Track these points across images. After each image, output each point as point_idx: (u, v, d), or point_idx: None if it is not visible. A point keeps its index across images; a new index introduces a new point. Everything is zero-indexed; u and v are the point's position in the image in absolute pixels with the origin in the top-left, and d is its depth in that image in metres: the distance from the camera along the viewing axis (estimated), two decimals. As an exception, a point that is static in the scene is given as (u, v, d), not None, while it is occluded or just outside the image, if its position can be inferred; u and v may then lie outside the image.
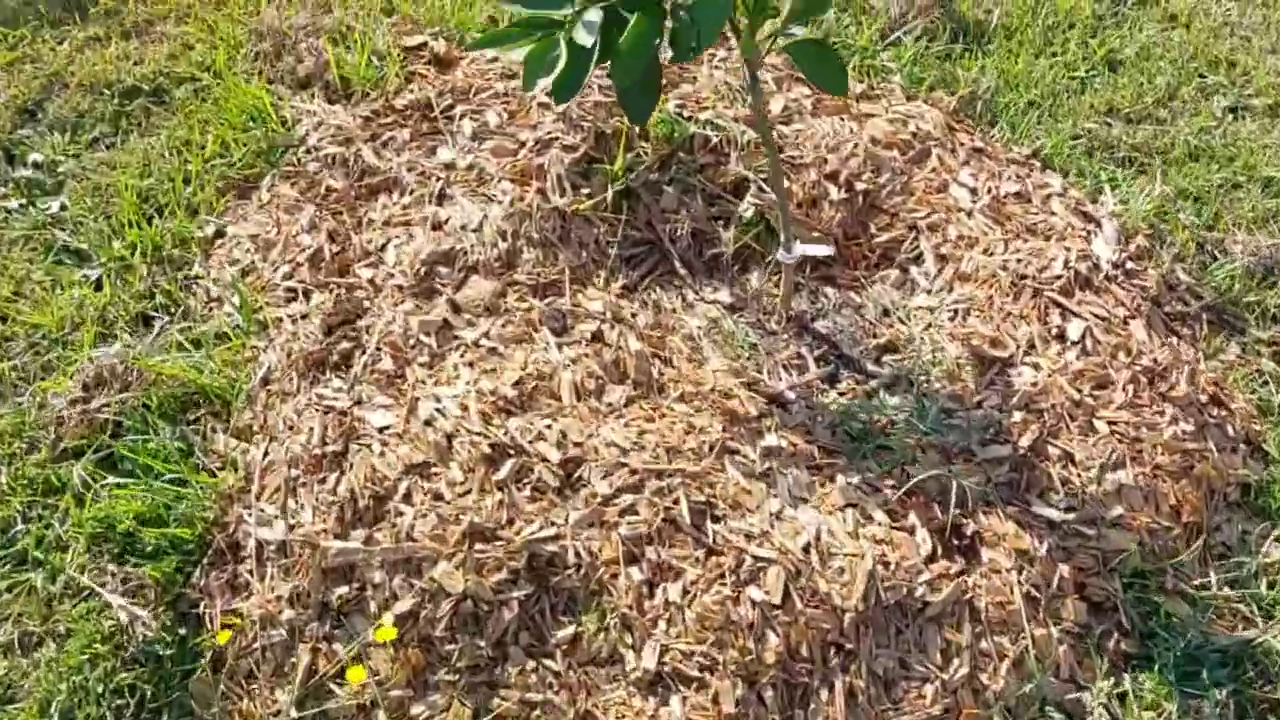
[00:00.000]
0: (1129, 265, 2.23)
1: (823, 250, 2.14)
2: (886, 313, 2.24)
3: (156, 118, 2.51)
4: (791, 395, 2.02)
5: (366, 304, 2.03)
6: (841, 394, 2.07)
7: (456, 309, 2.02)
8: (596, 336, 1.99)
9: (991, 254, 2.23)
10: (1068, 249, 2.22)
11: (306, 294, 2.05)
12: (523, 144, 2.34)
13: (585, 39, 1.73)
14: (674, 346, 2.06)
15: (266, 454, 1.80)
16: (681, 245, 2.32)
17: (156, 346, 1.95)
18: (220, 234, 2.22)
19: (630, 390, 1.91)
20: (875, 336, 2.19)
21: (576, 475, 1.74)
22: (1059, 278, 2.14)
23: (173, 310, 2.06)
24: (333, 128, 2.35)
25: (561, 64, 1.76)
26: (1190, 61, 3.01)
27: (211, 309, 2.06)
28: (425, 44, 2.61)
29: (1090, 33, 3.10)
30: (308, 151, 2.32)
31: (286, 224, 2.18)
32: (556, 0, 1.84)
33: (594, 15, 1.77)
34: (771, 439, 1.87)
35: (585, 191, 2.29)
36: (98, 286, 2.12)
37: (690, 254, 2.32)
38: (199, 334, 1.99)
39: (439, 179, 2.25)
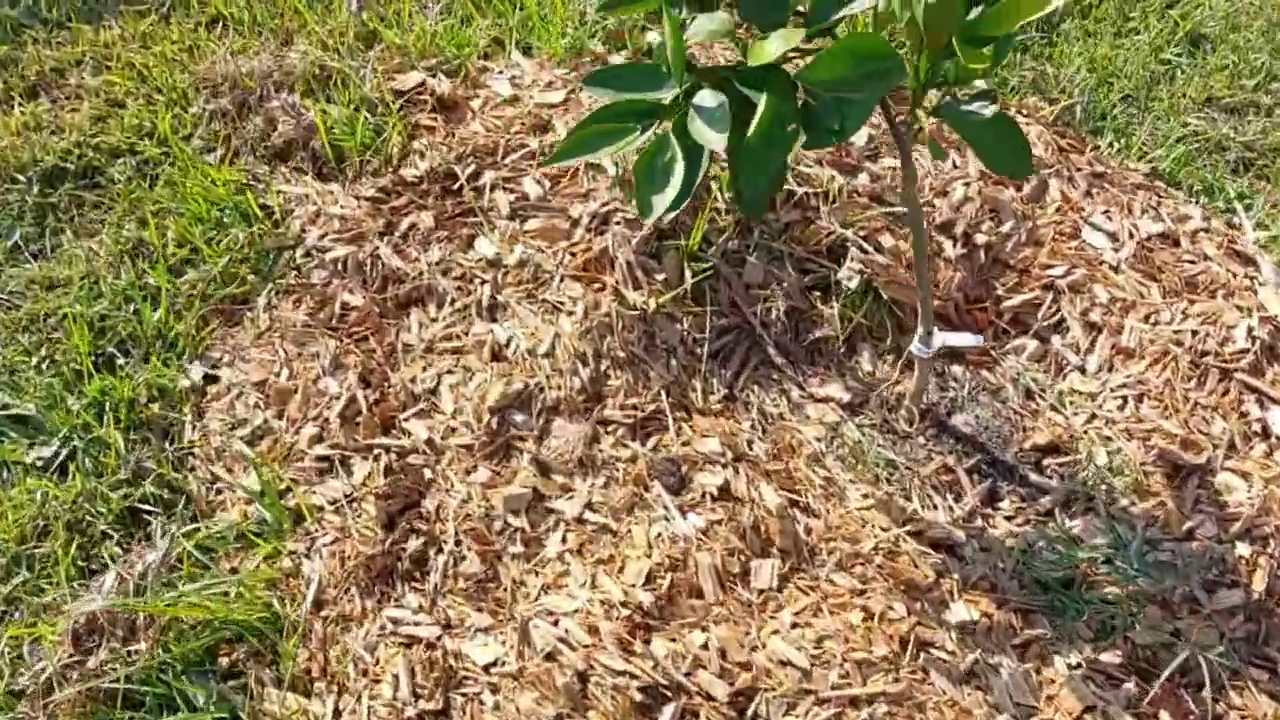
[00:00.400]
0: (1304, 318, 1.91)
1: (970, 340, 1.76)
2: (1030, 395, 1.89)
3: (92, 210, 1.96)
4: (961, 535, 1.66)
5: (427, 472, 1.58)
6: (1009, 518, 1.72)
7: (545, 470, 1.59)
8: (724, 491, 1.59)
9: (1155, 322, 1.88)
10: (1240, 308, 1.88)
11: (345, 463, 1.60)
12: (575, 221, 1.88)
13: (711, 136, 1.31)
14: (803, 478, 1.68)
15: (339, 713, 1.38)
16: (776, 330, 1.91)
17: (161, 568, 1.48)
18: (212, 379, 1.72)
19: (779, 563, 1.53)
20: (1025, 431, 1.84)
21: (752, 714, 1.36)
22: (1244, 352, 1.81)
23: (170, 500, 1.59)
24: (335, 219, 1.85)
25: (679, 173, 1.34)
26: (1282, 31, 2.66)
27: (221, 493, 1.59)
28: (423, 84, 2.10)
29: (1167, 2, 2.73)
30: (308, 255, 1.82)
31: (299, 362, 1.70)
32: (653, 78, 1.40)
33: (710, 99, 1.34)
34: (960, 609, 1.52)
35: (661, 277, 1.85)
36: (61, 472, 1.62)
37: (787, 339, 1.92)
38: (213, 536, 1.53)
39: (484, 281, 1.79)
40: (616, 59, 2.20)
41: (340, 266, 1.79)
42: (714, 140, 1.30)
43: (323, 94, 2.05)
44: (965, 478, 1.77)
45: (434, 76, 2.11)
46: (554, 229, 1.86)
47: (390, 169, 1.94)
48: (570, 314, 1.74)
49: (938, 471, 1.77)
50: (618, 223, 1.89)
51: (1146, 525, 1.66)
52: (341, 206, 1.86)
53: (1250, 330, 1.83)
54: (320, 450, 1.60)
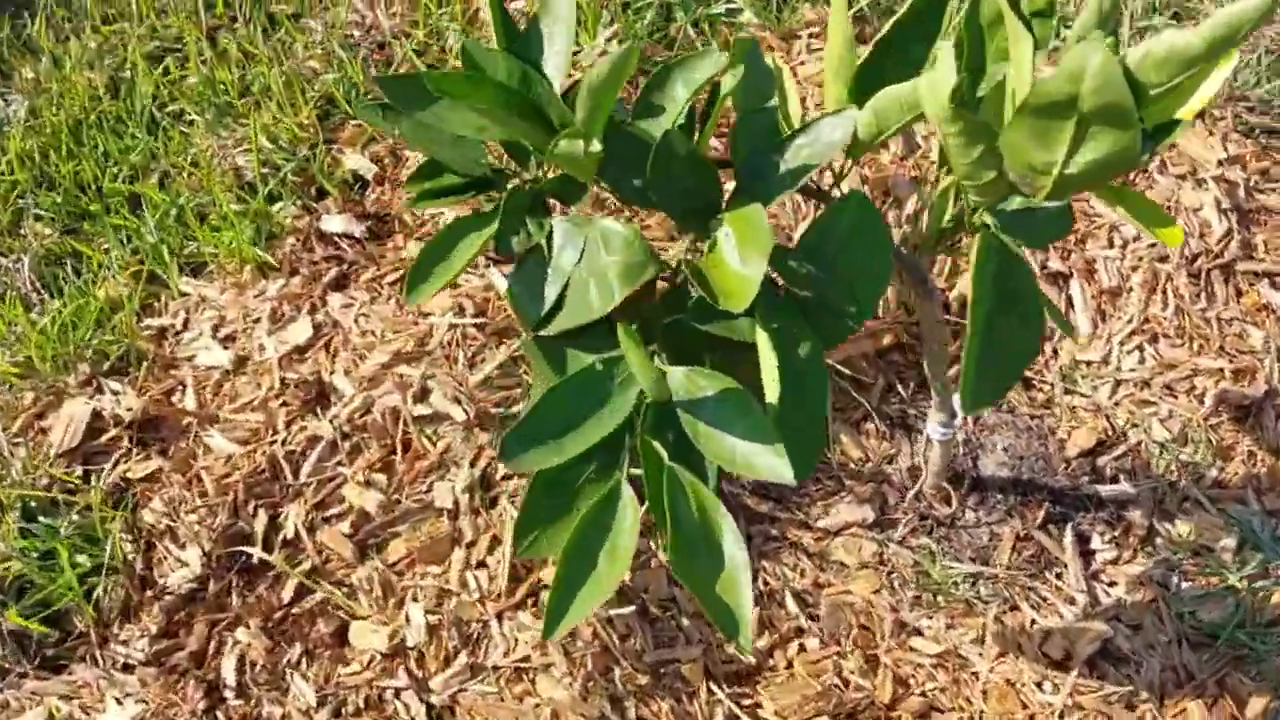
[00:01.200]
0: (1233, 150, 1.67)
1: (986, 395, 1.39)
2: (1029, 384, 1.57)
3: None
4: (1103, 627, 1.35)
5: None
6: (1114, 561, 1.43)
7: None
8: (876, 782, 1.19)
9: (1122, 242, 1.57)
10: (1181, 178, 1.61)
11: None
12: (452, 511, 1.29)
13: (763, 464, 0.95)
14: (914, 671, 1.30)
15: None
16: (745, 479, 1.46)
17: None
18: None
19: (991, 830, 1.17)
20: (1058, 435, 1.53)
21: None
22: (1230, 234, 1.55)
23: None
24: (124, 732, 1.15)
25: (725, 526, 0.90)
26: None
27: None
28: (98, 418, 1.34)
29: None
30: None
31: None
32: (593, 389, 0.96)
33: (700, 383, 0.91)
34: (1182, 739, 1.24)
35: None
36: None
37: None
38: None
39: (400, 690, 1.19)
40: (333, 221, 1.52)
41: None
42: (771, 467, 0.84)
43: (-43, 526, 1.27)
44: (1044, 538, 1.45)
45: (100, 393, 1.36)
46: (434, 543, 1.27)
47: (144, 589, 1.24)
48: (548, 670, 1.19)
49: (1015, 548, 1.44)
50: (506, 476, 1.32)
51: (1257, 492, 1.43)
52: (120, 701, 1.17)
53: (1217, 202, 1.57)
54: None
